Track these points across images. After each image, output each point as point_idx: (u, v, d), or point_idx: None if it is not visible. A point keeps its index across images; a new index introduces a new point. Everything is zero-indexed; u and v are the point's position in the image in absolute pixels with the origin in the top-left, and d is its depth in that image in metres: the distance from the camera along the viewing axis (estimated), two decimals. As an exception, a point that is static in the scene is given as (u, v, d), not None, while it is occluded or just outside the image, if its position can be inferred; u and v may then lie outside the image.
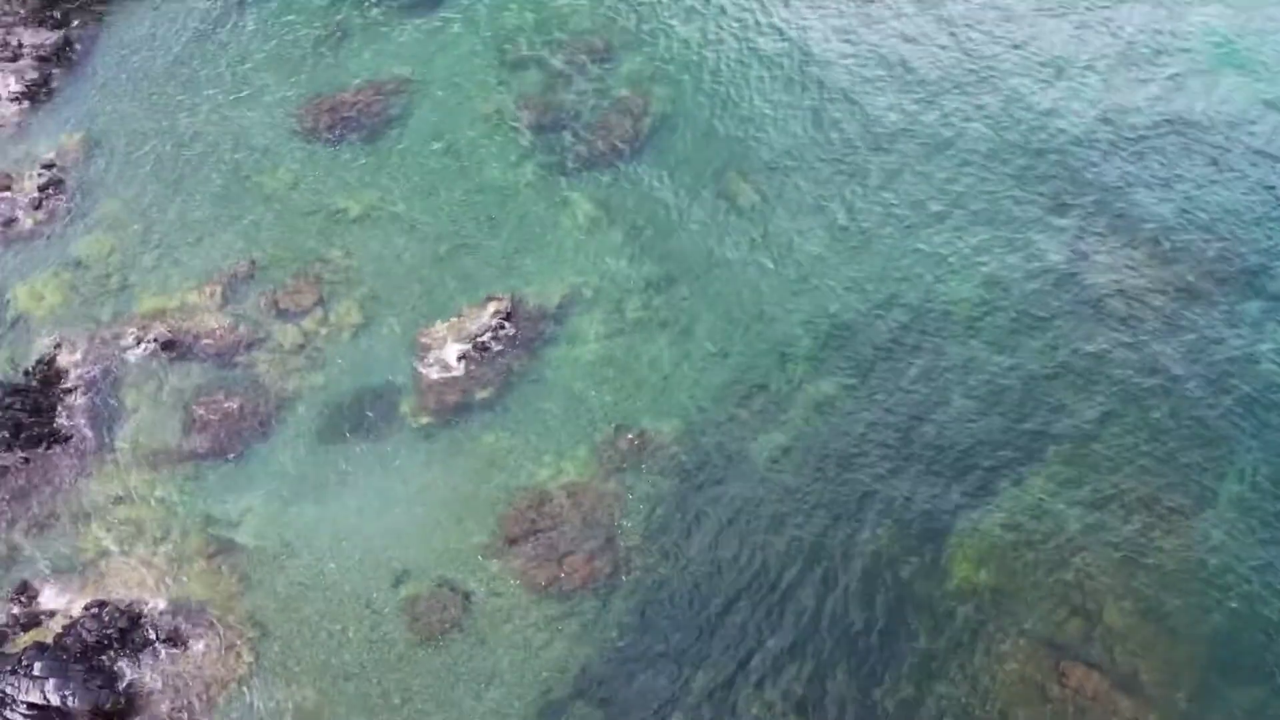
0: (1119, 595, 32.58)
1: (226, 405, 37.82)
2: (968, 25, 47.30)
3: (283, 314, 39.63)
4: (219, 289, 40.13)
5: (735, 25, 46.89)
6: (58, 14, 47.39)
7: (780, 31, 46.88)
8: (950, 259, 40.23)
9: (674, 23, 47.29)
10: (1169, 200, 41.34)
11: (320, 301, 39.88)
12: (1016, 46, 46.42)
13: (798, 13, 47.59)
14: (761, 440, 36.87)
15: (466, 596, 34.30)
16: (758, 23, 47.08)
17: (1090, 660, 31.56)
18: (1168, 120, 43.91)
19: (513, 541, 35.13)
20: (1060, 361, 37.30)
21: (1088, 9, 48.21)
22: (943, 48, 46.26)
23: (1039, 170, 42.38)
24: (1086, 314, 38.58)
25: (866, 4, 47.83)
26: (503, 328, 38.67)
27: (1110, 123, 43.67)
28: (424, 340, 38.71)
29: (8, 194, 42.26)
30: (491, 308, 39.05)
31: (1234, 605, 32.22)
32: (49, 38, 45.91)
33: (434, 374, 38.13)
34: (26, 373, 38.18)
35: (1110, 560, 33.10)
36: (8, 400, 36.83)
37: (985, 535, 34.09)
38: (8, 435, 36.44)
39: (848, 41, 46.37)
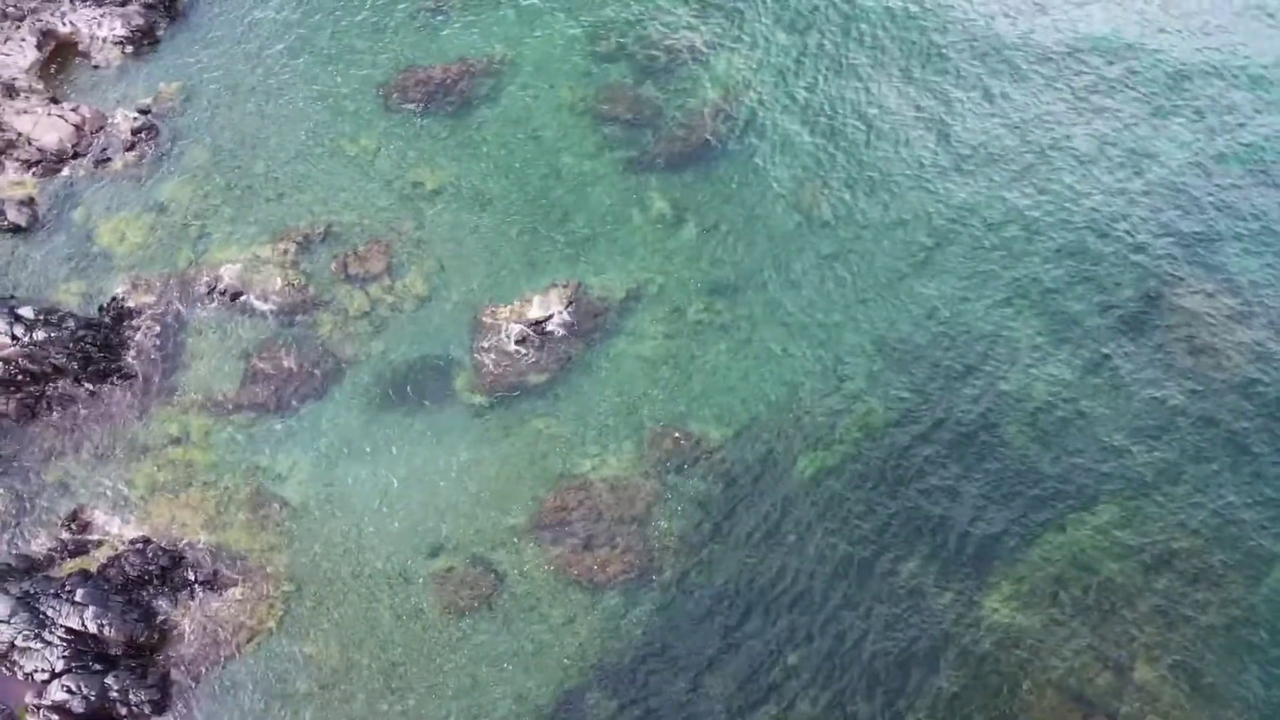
0: (1154, 652, 32.00)
1: (286, 361, 38.74)
2: (1071, 55, 46.62)
3: (351, 278, 40.45)
4: (292, 247, 41.08)
5: (834, 38, 46.61)
6: (170, -38, 48.94)
7: (880, 49, 46.55)
8: (1024, 290, 39.74)
9: (772, 30, 47.18)
10: (1255, 254, 40.40)
11: (388, 270, 40.63)
12: (1114, 85, 45.63)
13: (900, 32, 47.18)
14: (809, 456, 36.82)
15: (498, 576, 34.78)
16: (857, 38, 46.79)
17: (1117, 717, 31.09)
18: (1259, 172, 42.97)
19: (550, 528, 35.53)
20: (1124, 407, 36.67)
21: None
22: (1047, 81, 45.61)
23: (1122, 208, 41.67)
24: (1156, 360, 37.87)
25: (970, 29, 47.25)
26: (564, 315, 39.08)
27: (1202, 170, 42.73)
28: (485, 319, 39.26)
29: (103, 134, 43.63)
30: (555, 294, 39.45)
31: (1277, 672, 31.51)
32: (159, -14, 47.48)
33: (492, 354, 38.66)
34: (101, 308, 39.48)
35: (1149, 615, 32.51)
36: (80, 333, 38.11)
37: (1024, 576, 33.71)
38: (76, 367, 37.72)
39: (947, 65, 45.91)
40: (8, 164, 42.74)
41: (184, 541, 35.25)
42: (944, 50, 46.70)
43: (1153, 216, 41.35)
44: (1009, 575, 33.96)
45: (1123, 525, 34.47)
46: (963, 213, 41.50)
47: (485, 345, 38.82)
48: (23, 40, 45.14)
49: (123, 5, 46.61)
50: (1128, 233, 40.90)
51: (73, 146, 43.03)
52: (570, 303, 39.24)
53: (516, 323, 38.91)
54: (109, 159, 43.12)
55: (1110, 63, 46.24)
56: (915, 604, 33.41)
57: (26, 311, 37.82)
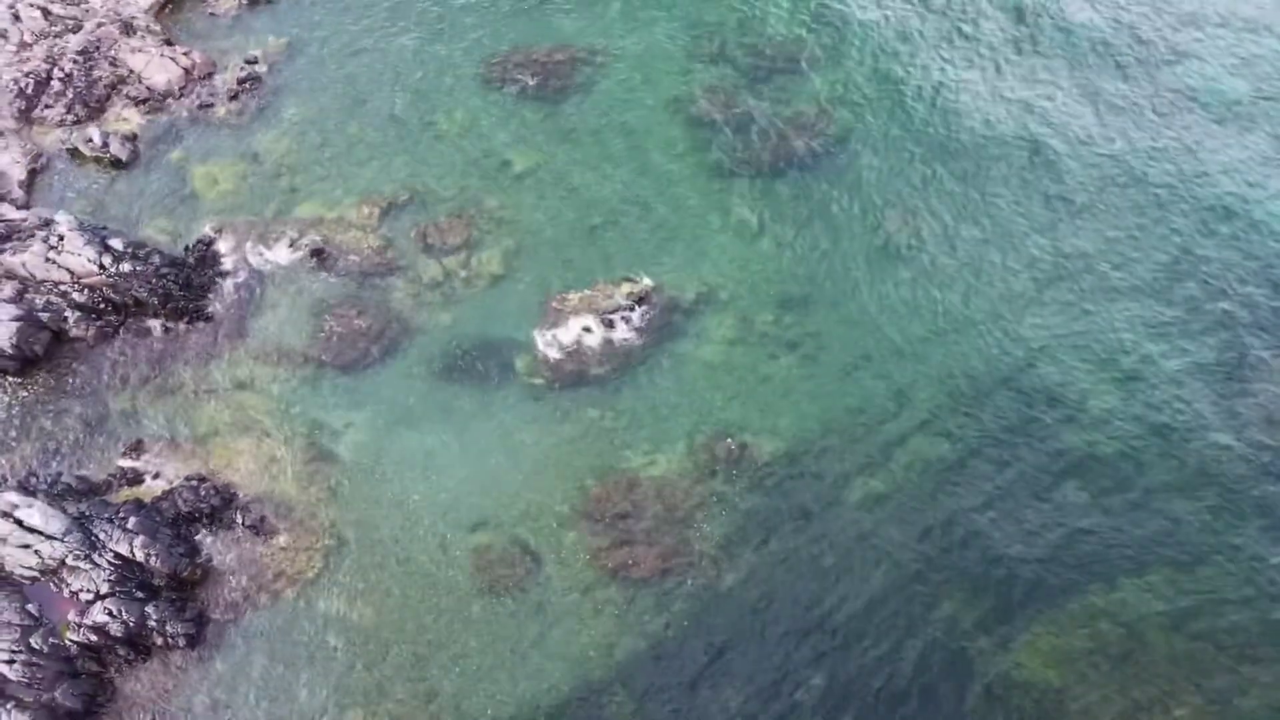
0: (1188, 730, 31.38)
1: (357, 322, 39.59)
2: (1178, 96, 45.75)
3: (429, 248, 41.19)
4: (376, 211, 41.96)
5: (937, 63, 46.31)
6: (294, -79, 50.20)
7: (981, 78, 46.12)
8: (1100, 344, 39.08)
9: (874, 47, 47.02)
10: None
11: (467, 244, 41.28)
12: (1219, 122, 44.66)
13: (1006, 65, 46.68)
14: (859, 481, 36.63)
15: (535, 560, 35.17)
16: (962, 64, 46.41)
17: (1141, 788, 30.57)
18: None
19: (592, 519, 35.82)
20: (1188, 476, 35.86)
21: None
22: (1154, 117, 44.77)
23: (1222, 266, 40.77)
24: (1227, 430, 36.98)
25: (1078, 68, 46.54)
26: (633, 310, 39.38)
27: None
28: (555, 305, 39.70)
29: (210, 81, 44.97)
30: (626, 289, 39.78)
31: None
32: (280, -58, 48.75)
33: (557, 339, 39.07)
34: (187, 248, 40.73)
35: (1188, 692, 31.81)
36: (164, 270, 39.37)
37: (1063, 633, 33.16)
38: (156, 303, 38.96)
39: (1049, 103, 45.29)
40: (117, 99, 44.29)
41: (236, 484, 36.26)
42: (1072, 79, 46.07)
43: (1253, 277, 40.47)
44: (1049, 628, 33.43)
45: (1172, 592, 33.74)
46: (1050, 259, 40.93)
47: (552, 330, 39.27)
48: (146, -19, 46.83)
49: (245, -41, 48.10)
50: (1225, 294, 40.08)
51: (180, 89, 44.45)
52: (640, 299, 39.52)
53: (585, 312, 39.30)
54: (212, 104, 44.45)
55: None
56: (948, 643, 33.07)
57: (116, 243, 39.17)
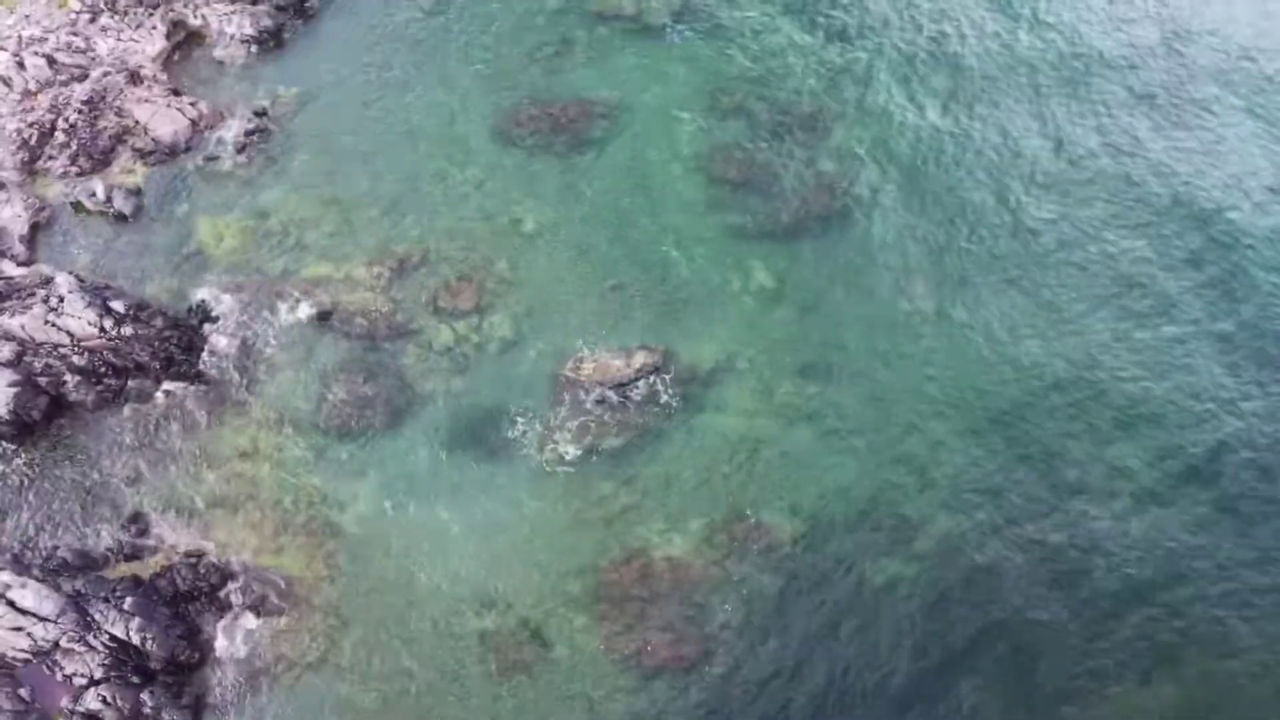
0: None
1: (364, 388, 38.53)
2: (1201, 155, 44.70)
3: (439, 311, 40.14)
4: (386, 271, 40.93)
5: (964, 120, 45.14)
6: (305, -34, 49.39)
7: (1006, 141, 44.88)
8: (1130, 417, 37.91)
9: (898, 103, 45.89)
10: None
11: (478, 308, 40.23)
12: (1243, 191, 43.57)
13: (1035, 123, 45.45)
14: (882, 563, 35.49)
15: (544, 644, 34.05)
16: (990, 121, 45.21)
17: None
18: None
19: (605, 601, 34.70)
20: (1225, 569, 34.70)
21: None
22: (1188, 177, 43.69)
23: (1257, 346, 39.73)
24: (1269, 528, 35.81)
25: (1104, 132, 45.38)
26: (648, 379, 38.31)
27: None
28: (568, 373, 38.62)
29: (217, 133, 44.05)
30: (642, 357, 38.68)
31: None
32: (293, -11, 47.92)
33: (570, 409, 37.98)
34: (190, 309, 39.76)
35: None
36: (166, 333, 38.39)
37: (1095, 732, 32.06)
38: (158, 367, 37.98)
39: (1082, 163, 44.12)
40: (122, 151, 43.38)
41: (237, 560, 35.23)
42: (1103, 137, 44.93)
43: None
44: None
45: (1209, 692, 32.59)
46: (1077, 332, 39.74)
47: (564, 400, 38.18)
48: (153, 28, 45.81)
49: (254, 4, 47.15)
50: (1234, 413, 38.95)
51: (186, 141, 43.51)
52: (656, 369, 38.45)
53: (599, 381, 38.23)
54: (219, 158, 43.51)
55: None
56: (974, 740, 32.00)
57: (118, 305, 38.21)
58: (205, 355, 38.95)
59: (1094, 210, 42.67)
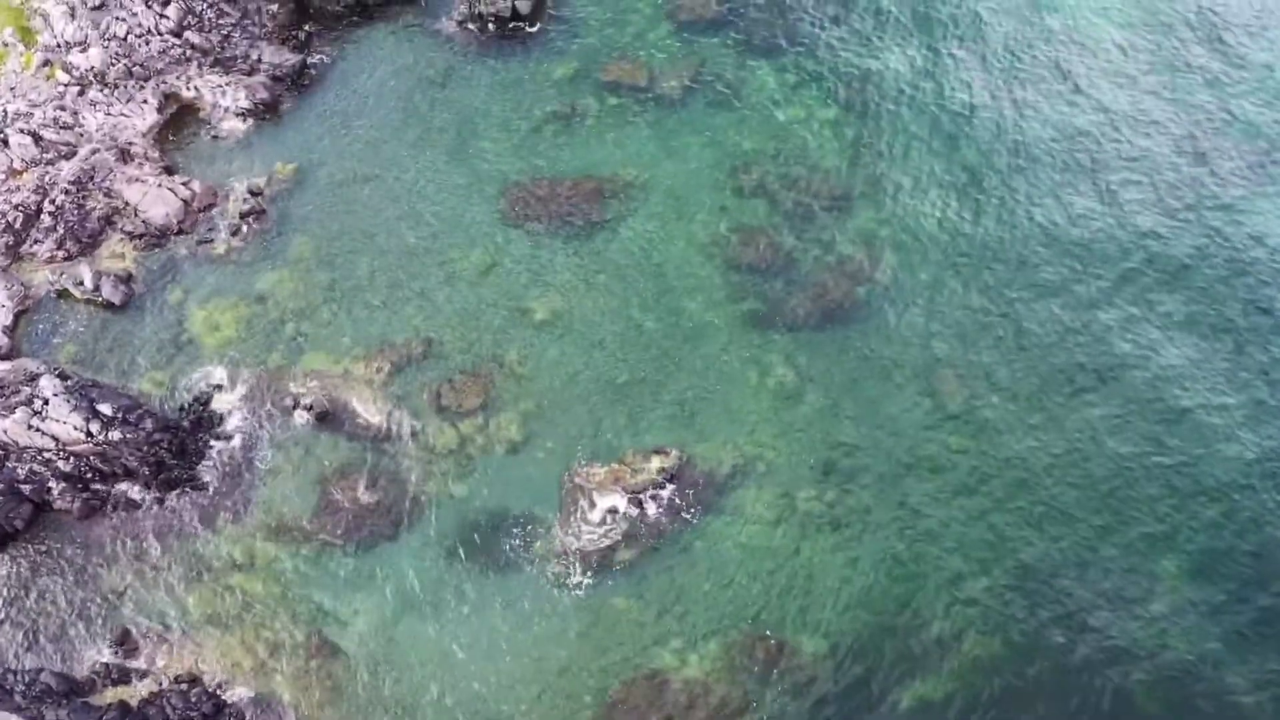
0: None
1: (365, 495, 37.33)
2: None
3: (443, 410, 38.95)
4: (387, 366, 39.75)
5: (991, 203, 43.83)
6: (302, 34, 48.08)
7: (1037, 224, 43.42)
8: (1170, 525, 36.64)
9: (923, 183, 44.52)
10: None
11: (484, 406, 39.03)
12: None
13: (1065, 207, 44.03)
14: (908, 685, 34.24)
15: (555, 777, 32.94)
16: (1017, 205, 43.90)
17: None
18: None
19: (618, 729, 33.61)
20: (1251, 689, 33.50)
21: None
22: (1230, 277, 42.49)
23: None
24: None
25: (1143, 213, 44.11)
26: (663, 488, 37.09)
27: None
28: (579, 479, 37.40)
29: (211, 214, 42.89)
30: (656, 463, 37.47)
31: None
32: (288, 59, 46.51)
33: (580, 519, 36.78)
34: (182, 408, 38.60)
35: None
36: (156, 435, 37.21)
37: None
38: (148, 473, 36.81)
39: (1108, 257, 42.80)
40: (111, 233, 42.27)
41: (231, 685, 34.00)
42: (1144, 218, 43.64)
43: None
44: None
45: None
46: (1111, 431, 38.50)
47: (574, 508, 36.99)
48: (144, 102, 44.71)
49: (250, 75, 46.03)
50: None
51: (178, 223, 42.38)
52: (671, 476, 37.24)
53: (611, 489, 37.02)
54: (213, 240, 42.38)
55: None
56: None
57: (106, 407, 37.03)
58: (198, 459, 37.80)
59: (1135, 307, 41.34)
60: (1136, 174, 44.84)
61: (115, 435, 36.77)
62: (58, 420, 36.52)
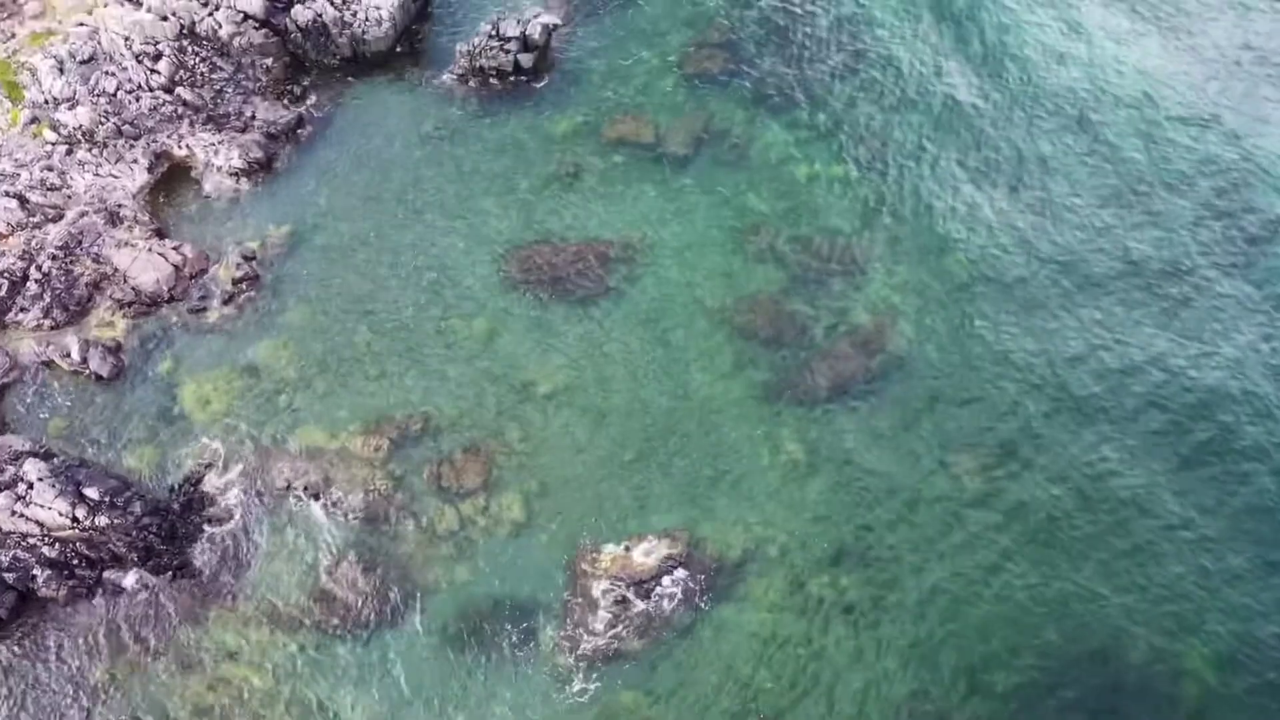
0: None
1: (361, 579, 36.36)
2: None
3: (444, 491, 37.99)
4: (385, 442, 38.79)
5: (1010, 268, 42.84)
6: (298, 89, 47.19)
7: (1064, 295, 42.62)
8: (1190, 623, 35.74)
9: (937, 246, 43.52)
10: None
11: (485, 486, 38.10)
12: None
13: (1085, 278, 43.18)
14: (927, 783, 33.44)
15: None
16: (1042, 273, 43.05)
17: None
18: None
19: (625, 835, 32.66)
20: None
21: None
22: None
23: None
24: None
25: (1151, 302, 43.29)
26: (671, 574, 36.15)
27: None
28: (585, 565, 36.46)
29: (203, 280, 41.94)
30: (664, 547, 36.52)
31: None
32: (283, 115, 45.58)
33: (586, 607, 35.81)
34: (172, 489, 37.64)
35: None
36: (145, 520, 36.24)
37: None
38: (136, 559, 35.85)
39: (1152, 329, 42.03)
40: (100, 299, 41.33)
41: (223, 788, 33.09)
42: (1168, 292, 42.97)
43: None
44: None
45: None
46: (1154, 520, 37.57)
47: (580, 595, 36.02)
48: (134, 162, 43.78)
49: (243, 132, 45.07)
50: None
51: (169, 290, 41.43)
52: (680, 562, 36.31)
53: (618, 576, 36.08)
54: (205, 309, 41.43)
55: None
56: None
57: (92, 491, 36.04)
58: (188, 543, 36.82)
59: (1151, 385, 40.55)
60: (1162, 249, 44.11)
61: (102, 520, 35.79)
62: (43, 505, 35.55)
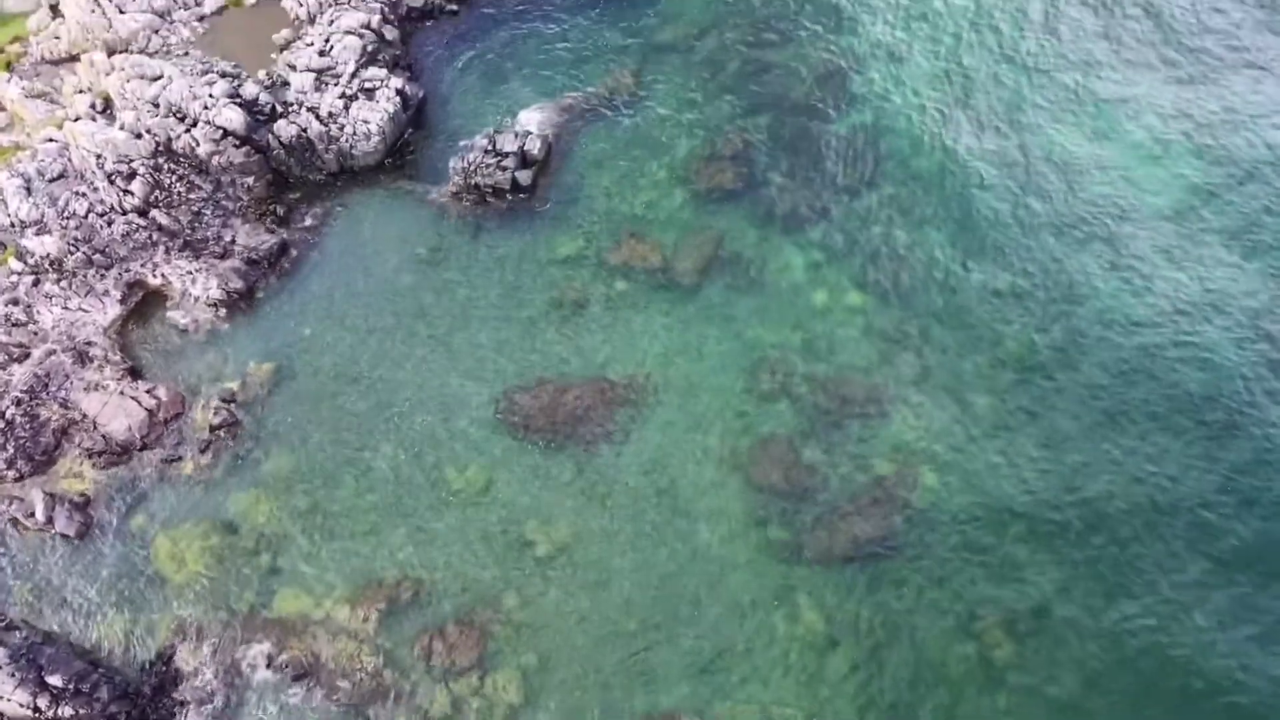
0: None
1: (347, 772, 34.46)
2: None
3: (434, 668, 35.93)
4: (372, 613, 36.75)
5: (1049, 414, 40.60)
6: (281, 208, 45.12)
7: (1098, 430, 40.39)
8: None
9: (962, 386, 41.24)
10: None
11: (480, 662, 36.04)
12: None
13: (1119, 422, 41.01)
14: None
15: None
16: (1072, 410, 40.95)
17: None
18: None
19: None
20: None
21: None
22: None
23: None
24: None
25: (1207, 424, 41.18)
26: (681, 769, 34.19)
27: None
28: (586, 756, 34.53)
29: (179, 425, 39.92)
30: (673, 737, 34.57)
31: None
32: (265, 240, 43.53)
33: (588, 805, 33.88)
34: (143, 667, 35.59)
35: None
36: (113, 709, 34.22)
37: None
38: (104, 752, 33.89)
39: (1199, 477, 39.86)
40: (68, 447, 39.33)
41: None
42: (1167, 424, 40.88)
43: None
44: None
45: None
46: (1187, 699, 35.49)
47: (582, 793, 34.07)
48: (105, 293, 41.78)
49: (223, 258, 43.01)
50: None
51: (141, 437, 39.44)
52: (692, 757, 34.33)
53: (623, 770, 34.09)
54: (180, 458, 39.43)
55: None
56: None
57: (56, 679, 34.05)
58: (160, 731, 34.87)
59: (1198, 530, 38.44)
60: (1206, 377, 42.05)
61: (67, 711, 33.78)
62: (3, 697, 33.53)
